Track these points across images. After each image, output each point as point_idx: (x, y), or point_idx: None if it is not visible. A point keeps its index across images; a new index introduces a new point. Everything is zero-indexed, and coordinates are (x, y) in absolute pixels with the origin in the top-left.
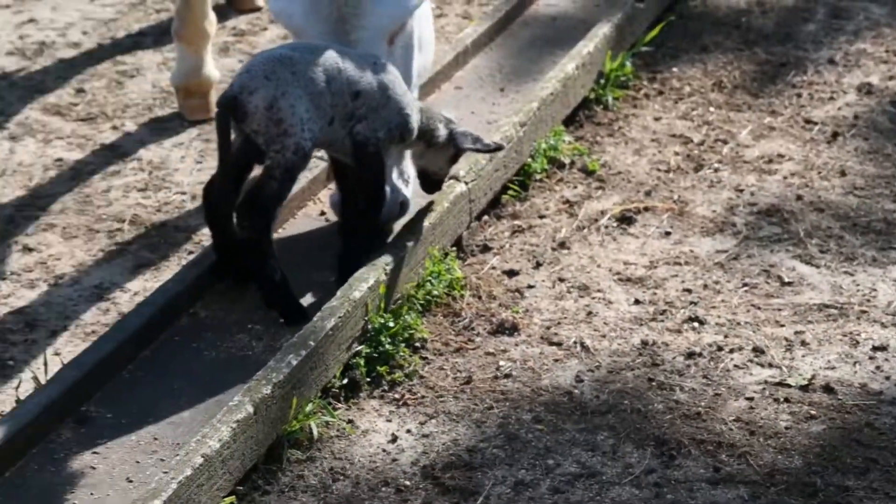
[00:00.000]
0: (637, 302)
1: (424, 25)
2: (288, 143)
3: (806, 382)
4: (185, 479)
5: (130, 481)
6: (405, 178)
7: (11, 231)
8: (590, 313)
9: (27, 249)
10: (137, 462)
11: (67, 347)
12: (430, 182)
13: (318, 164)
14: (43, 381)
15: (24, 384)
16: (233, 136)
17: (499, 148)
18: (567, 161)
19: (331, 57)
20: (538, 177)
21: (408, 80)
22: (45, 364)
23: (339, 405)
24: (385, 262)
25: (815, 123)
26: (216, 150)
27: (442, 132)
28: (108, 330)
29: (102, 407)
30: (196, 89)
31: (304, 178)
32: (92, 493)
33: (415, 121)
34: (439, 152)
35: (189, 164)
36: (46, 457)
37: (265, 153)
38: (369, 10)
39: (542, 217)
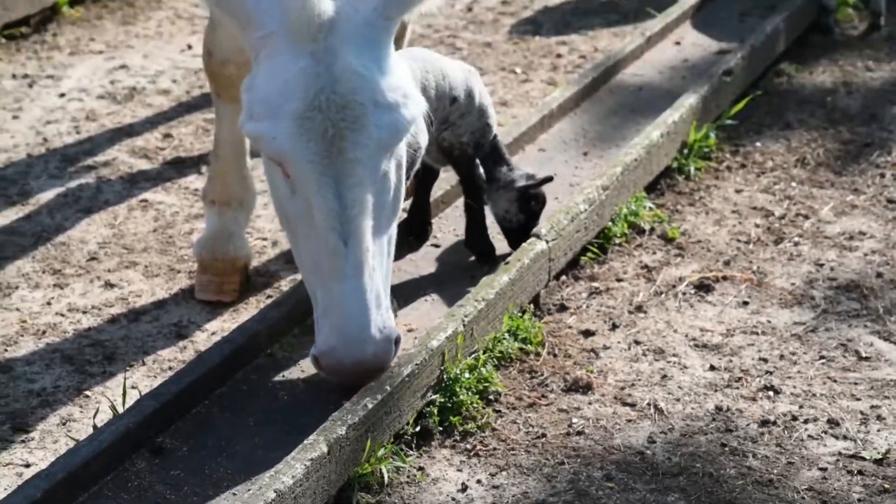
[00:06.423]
0: (712, 368)
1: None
2: None
3: (881, 456)
4: None
5: None
6: (392, 309)
7: (94, 267)
8: (664, 376)
9: (109, 285)
10: (210, 495)
11: (144, 381)
12: (507, 231)
13: None
14: (120, 411)
15: (102, 414)
16: None
17: (548, 179)
18: (647, 227)
19: (436, 62)
20: (618, 241)
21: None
22: (124, 395)
23: (411, 452)
24: (464, 313)
25: None
26: None
27: (505, 168)
28: (188, 364)
29: (178, 440)
30: (210, 265)
31: None
32: None
33: (493, 128)
34: (502, 193)
35: (271, 210)
36: (120, 485)
37: None
38: (368, 122)
39: (619, 280)
